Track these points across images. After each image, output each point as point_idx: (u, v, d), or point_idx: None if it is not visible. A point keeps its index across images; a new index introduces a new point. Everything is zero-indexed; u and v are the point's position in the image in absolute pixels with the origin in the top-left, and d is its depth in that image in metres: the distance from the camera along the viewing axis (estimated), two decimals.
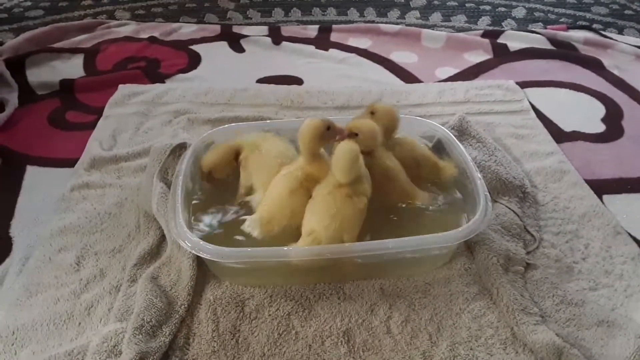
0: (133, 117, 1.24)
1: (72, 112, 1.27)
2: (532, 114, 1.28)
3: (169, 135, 1.16)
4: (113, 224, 0.96)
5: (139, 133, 1.19)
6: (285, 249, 0.77)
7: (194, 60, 1.48)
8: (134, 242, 0.92)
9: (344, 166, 0.79)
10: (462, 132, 1.12)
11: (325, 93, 1.32)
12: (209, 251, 0.77)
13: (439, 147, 1.03)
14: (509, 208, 0.97)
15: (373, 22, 1.73)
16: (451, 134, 1.02)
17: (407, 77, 1.43)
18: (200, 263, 0.85)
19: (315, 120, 0.84)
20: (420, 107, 1.28)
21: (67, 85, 1.34)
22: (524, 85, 1.38)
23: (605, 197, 1.03)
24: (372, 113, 0.94)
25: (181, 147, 1.03)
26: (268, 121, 1.18)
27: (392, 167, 0.90)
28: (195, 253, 0.78)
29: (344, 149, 0.80)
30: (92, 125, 1.21)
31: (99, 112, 1.26)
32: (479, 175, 0.91)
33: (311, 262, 0.78)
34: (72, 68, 1.44)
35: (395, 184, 0.89)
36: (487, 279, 0.85)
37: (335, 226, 0.77)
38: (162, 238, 0.92)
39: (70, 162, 1.10)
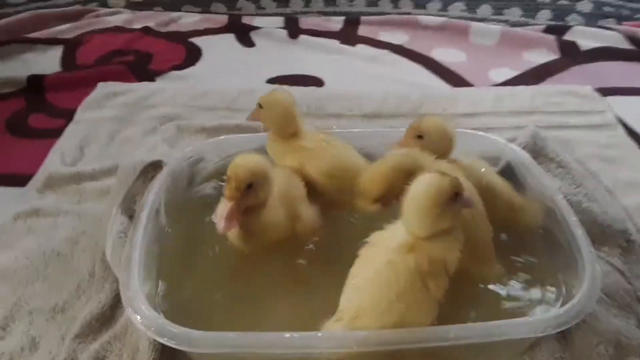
0: (109, 122, 0.99)
1: (36, 115, 1.04)
2: (620, 129, 0.99)
3: (149, 147, 0.91)
4: (61, 269, 0.71)
5: (113, 144, 0.94)
6: (288, 335, 0.50)
7: (193, 56, 1.24)
8: (83, 298, 0.67)
9: (422, 207, 0.51)
10: (536, 153, 0.83)
11: (351, 97, 1.06)
12: (173, 335, 0.50)
13: (508, 175, 0.75)
14: (612, 265, 0.68)
15: (409, 14, 1.46)
16: (528, 157, 0.74)
17: (454, 79, 1.16)
18: None
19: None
20: (472, 118, 1.01)
21: (35, 83, 1.11)
22: (603, 92, 1.09)
23: None
24: (420, 137, 0.67)
25: (156, 167, 0.77)
26: None
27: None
28: (151, 335, 0.51)
29: (427, 181, 0.52)
30: (59, 133, 0.97)
31: (69, 116, 1.02)
32: (575, 218, 0.63)
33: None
34: (47, 62, 1.21)
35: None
36: None
37: (393, 319, 0.50)
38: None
39: (23, 180, 0.87)
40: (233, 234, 0.60)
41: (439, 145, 0.66)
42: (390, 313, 0.51)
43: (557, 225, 0.64)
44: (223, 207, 0.57)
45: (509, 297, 0.60)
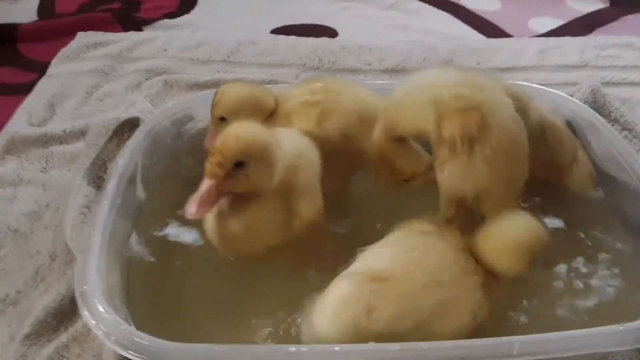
0: (87, 76, 0.86)
1: (7, 68, 0.92)
2: None
3: (131, 105, 0.77)
4: (17, 250, 0.59)
5: (90, 100, 0.82)
6: (293, 349, 0.37)
7: (187, 2, 1.10)
8: (42, 287, 0.55)
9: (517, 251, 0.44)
10: (597, 112, 0.69)
11: (369, 50, 0.92)
12: (141, 348, 0.37)
13: None
14: None
15: None
16: (596, 114, 0.59)
17: (489, 29, 1.02)
18: None
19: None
20: (513, 72, 0.87)
21: (7, 32, 0.97)
22: None
23: None
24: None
25: (133, 126, 0.63)
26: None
27: None
28: (111, 346, 0.38)
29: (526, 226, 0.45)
30: (30, 88, 0.85)
31: (43, 70, 0.89)
32: None
33: None
34: (22, 10, 1.07)
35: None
36: None
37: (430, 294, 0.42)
38: None
39: None
40: (212, 235, 0.46)
41: None
42: (431, 288, 0.42)
43: (629, 201, 0.51)
44: (202, 187, 0.43)
45: (582, 291, 0.47)
